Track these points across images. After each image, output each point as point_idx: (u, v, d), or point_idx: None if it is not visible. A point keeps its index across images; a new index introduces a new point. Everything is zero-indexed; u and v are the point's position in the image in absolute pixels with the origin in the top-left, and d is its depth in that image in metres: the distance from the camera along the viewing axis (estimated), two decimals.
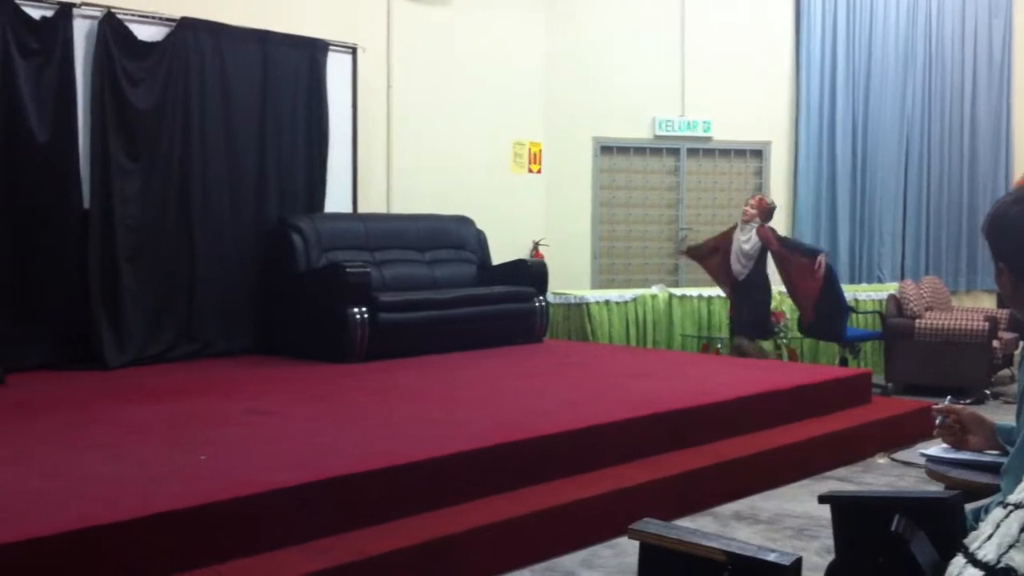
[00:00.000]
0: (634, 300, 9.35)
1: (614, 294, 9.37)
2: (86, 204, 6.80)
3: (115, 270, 6.90)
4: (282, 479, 3.96)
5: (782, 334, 8.95)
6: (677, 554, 2.01)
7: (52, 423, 5.11)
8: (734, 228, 8.55)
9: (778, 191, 10.88)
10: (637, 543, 2.82)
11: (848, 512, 2.16)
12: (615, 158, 10.54)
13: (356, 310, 7.16)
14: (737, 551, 1.89)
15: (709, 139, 10.70)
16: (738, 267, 8.37)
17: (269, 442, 4.67)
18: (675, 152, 10.69)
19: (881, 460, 6.06)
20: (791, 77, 10.96)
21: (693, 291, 9.62)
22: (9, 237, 6.48)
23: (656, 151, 10.65)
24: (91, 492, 3.78)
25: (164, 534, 3.53)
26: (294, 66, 7.93)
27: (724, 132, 10.71)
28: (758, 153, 10.95)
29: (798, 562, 1.89)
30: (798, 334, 8.92)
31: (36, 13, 6.63)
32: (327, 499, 3.98)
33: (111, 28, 6.89)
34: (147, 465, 4.21)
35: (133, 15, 7.04)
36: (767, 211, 8.40)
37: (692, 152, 10.73)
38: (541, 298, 8.42)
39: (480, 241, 8.91)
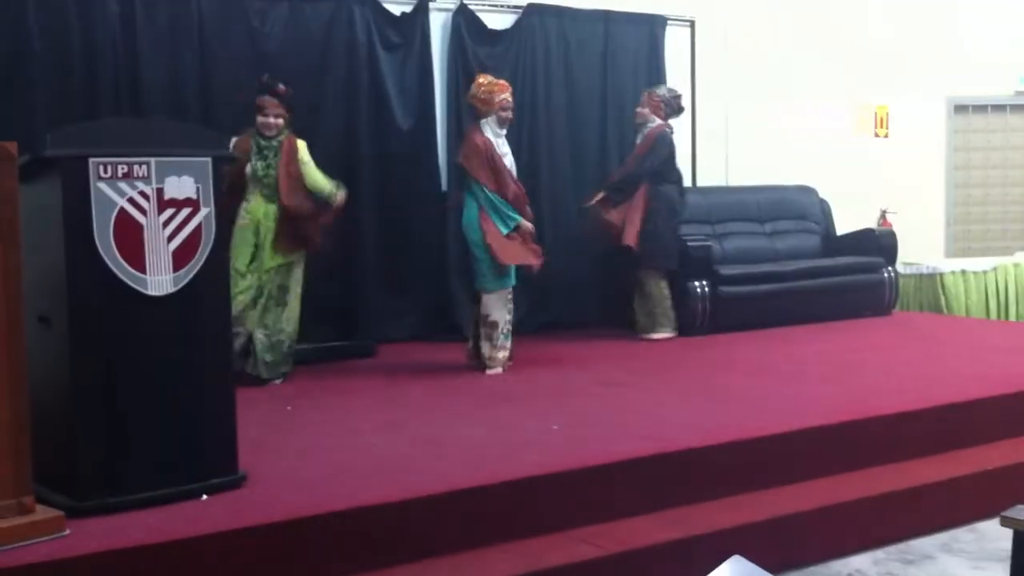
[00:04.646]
0: (994, 270, 8.77)
1: (971, 263, 8.83)
2: (444, 186, 7.28)
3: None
4: (631, 449, 4.10)
5: None
6: None
7: (420, 391, 5.56)
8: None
9: None
10: (1007, 529, 2.70)
11: None
12: (971, 117, 9.88)
13: (697, 283, 7.21)
14: None
15: None
16: None
17: (618, 413, 4.83)
18: None
19: None
20: None
21: None
22: (379, 218, 7.05)
23: (1018, 108, 9.86)
24: (456, 457, 4.09)
25: (522, 499, 3.76)
26: (634, 43, 8.06)
27: None
28: None
29: None
30: None
31: (396, 9, 7.16)
32: (674, 470, 4.07)
33: (464, 19, 7.33)
34: (506, 432, 4.49)
35: (484, 5, 7.44)
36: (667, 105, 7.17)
37: None
38: (890, 269, 8.13)
39: (823, 211, 8.69)
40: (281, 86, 5.85)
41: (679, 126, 8.27)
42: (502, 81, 6.21)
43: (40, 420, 3.30)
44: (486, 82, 6.12)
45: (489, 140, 6.00)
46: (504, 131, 6.12)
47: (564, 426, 4.57)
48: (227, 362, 3.78)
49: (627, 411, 4.86)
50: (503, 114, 6.06)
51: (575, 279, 7.73)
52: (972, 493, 4.39)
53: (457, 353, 6.36)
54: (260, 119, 5.78)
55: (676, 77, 8.27)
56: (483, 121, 6.05)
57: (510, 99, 6.12)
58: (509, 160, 6.12)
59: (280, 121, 5.81)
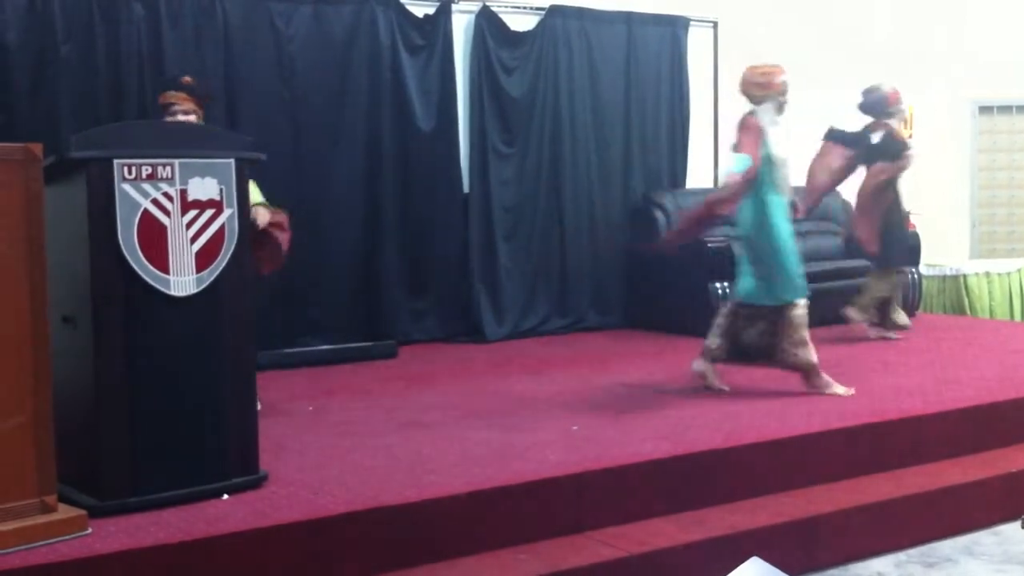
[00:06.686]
0: (1019, 271, 8.71)
1: (995, 265, 8.77)
2: (466, 188, 7.29)
3: (492, 248, 7.34)
4: (652, 451, 4.10)
5: None
6: None
7: (441, 393, 5.57)
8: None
9: None
10: None
11: None
12: (996, 119, 9.81)
13: (717, 284, 7.19)
14: None
15: None
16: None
17: (638, 414, 4.83)
18: None
19: None
20: None
21: None
22: (401, 219, 7.07)
23: None
24: (476, 458, 4.10)
25: (541, 499, 3.77)
26: (656, 44, 8.04)
27: None
28: None
29: None
30: None
31: (419, 11, 7.17)
32: (695, 472, 4.07)
33: (487, 21, 7.32)
34: (526, 434, 4.49)
35: (506, 7, 7.45)
36: None
37: None
38: (913, 270, 8.06)
39: (846, 212, 8.62)
40: (187, 77, 5.03)
41: (701, 128, 8.30)
42: (778, 64, 5.50)
43: (63, 420, 3.34)
44: (762, 64, 5.41)
45: (763, 129, 5.24)
46: (780, 120, 5.37)
47: (584, 427, 4.57)
48: (249, 362, 3.81)
49: (647, 412, 4.86)
50: (782, 99, 5.34)
51: (597, 282, 7.74)
52: (995, 495, 4.37)
53: (478, 354, 6.35)
54: (167, 119, 4.78)
55: (699, 78, 8.26)
56: (758, 108, 5.30)
57: (788, 82, 5.42)
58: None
59: (192, 118, 4.82)
